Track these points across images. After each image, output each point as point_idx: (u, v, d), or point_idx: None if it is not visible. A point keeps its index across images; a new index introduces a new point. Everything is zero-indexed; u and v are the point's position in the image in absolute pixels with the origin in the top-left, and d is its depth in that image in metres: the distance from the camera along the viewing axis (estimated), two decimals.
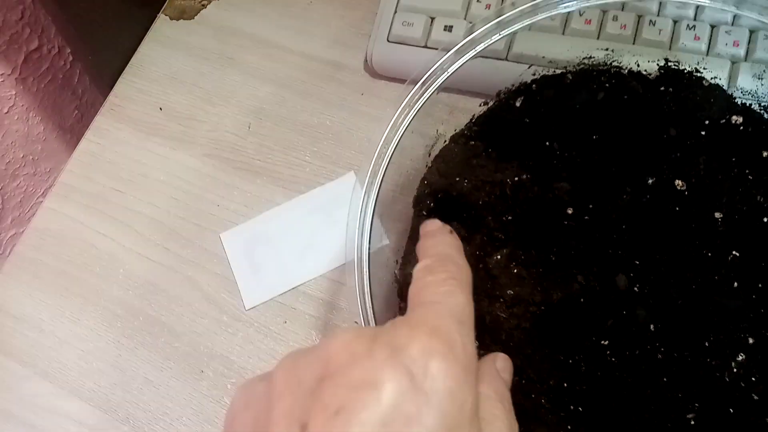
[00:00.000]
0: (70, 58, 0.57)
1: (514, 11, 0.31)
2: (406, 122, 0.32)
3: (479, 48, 0.31)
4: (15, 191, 0.58)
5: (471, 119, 0.37)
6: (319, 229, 0.42)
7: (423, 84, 0.31)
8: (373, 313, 0.31)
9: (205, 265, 0.43)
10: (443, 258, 0.25)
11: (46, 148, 0.59)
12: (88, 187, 0.47)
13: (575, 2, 0.31)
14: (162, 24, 0.50)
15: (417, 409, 0.19)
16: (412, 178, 0.38)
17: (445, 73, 0.31)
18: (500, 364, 0.25)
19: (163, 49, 0.49)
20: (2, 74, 0.52)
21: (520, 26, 0.31)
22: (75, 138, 0.54)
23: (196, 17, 0.50)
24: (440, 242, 0.26)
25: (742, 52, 0.39)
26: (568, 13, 0.41)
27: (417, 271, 0.24)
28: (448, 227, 0.27)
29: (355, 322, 0.39)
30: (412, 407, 0.19)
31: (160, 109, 0.47)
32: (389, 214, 0.39)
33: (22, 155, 0.57)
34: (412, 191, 0.37)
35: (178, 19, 0.50)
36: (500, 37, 0.31)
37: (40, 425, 0.40)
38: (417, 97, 0.32)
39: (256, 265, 0.42)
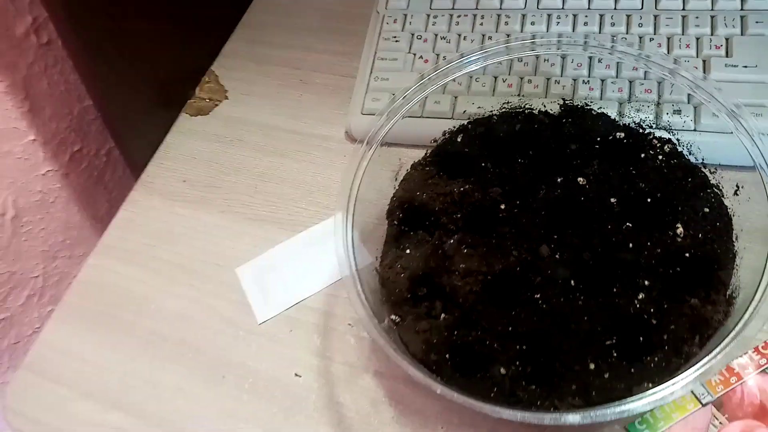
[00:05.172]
0: (104, 159, 0.70)
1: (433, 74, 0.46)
2: (363, 166, 0.45)
3: (407, 107, 0.47)
4: (54, 271, 0.68)
5: (426, 153, 0.48)
6: (316, 257, 0.52)
7: (370, 141, 0.46)
8: (367, 300, 0.41)
9: (224, 294, 0.52)
10: None
11: (80, 235, 0.70)
12: (124, 244, 0.57)
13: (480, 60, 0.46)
14: (183, 120, 0.63)
15: None
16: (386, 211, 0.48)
17: (389, 123, 0.46)
18: None
19: (184, 138, 0.62)
20: (52, 170, 0.64)
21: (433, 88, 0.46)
22: (104, 227, 0.64)
23: (210, 113, 0.63)
24: None
25: (625, 95, 0.52)
26: (495, 78, 0.54)
27: None
28: None
29: (349, 324, 0.49)
30: None
31: (184, 181, 0.59)
32: (372, 239, 0.49)
33: (61, 239, 0.68)
34: None
35: (196, 116, 0.63)
36: (422, 97, 0.47)
37: None
38: (369, 149, 0.46)
39: (266, 288, 0.51)
